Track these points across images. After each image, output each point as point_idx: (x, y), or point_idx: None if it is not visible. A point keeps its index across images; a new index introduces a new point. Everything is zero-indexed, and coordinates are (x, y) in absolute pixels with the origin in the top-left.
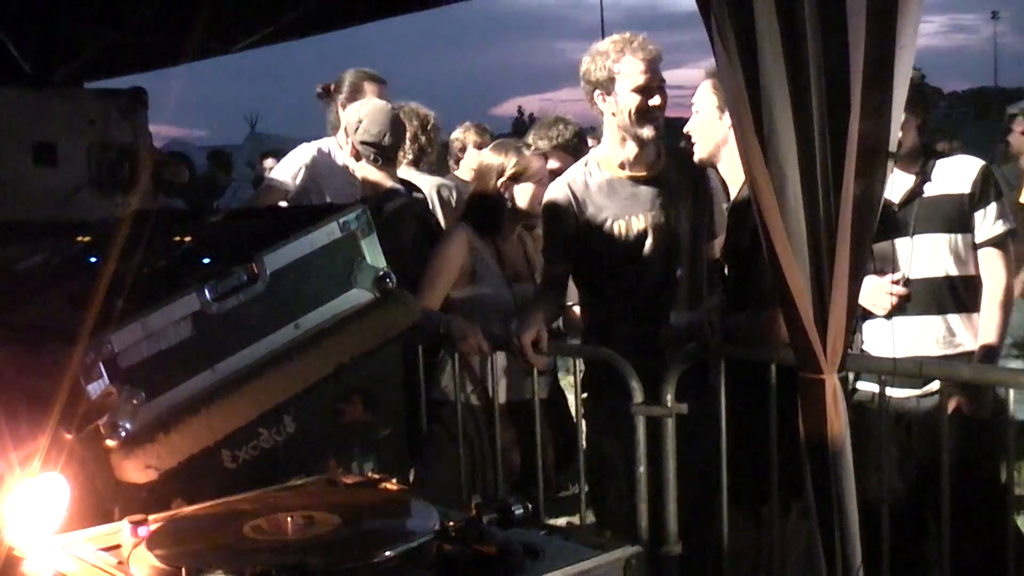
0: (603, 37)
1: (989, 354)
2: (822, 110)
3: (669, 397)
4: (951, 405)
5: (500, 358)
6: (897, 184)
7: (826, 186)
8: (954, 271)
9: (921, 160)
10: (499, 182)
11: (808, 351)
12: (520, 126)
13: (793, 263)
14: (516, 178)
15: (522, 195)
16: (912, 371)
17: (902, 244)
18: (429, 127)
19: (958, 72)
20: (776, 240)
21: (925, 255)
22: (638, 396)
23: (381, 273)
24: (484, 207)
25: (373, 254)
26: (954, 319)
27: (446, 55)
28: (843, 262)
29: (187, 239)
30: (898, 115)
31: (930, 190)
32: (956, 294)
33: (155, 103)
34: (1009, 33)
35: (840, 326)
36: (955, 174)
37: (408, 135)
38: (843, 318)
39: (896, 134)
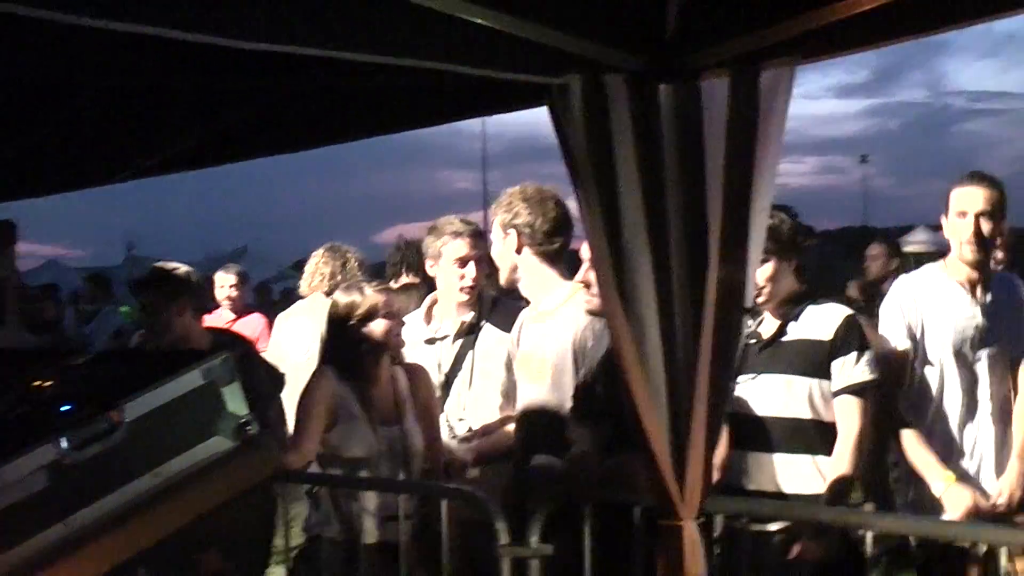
0: (484, 167)
1: (836, 497)
2: (681, 262)
3: (534, 539)
4: (804, 544)
5: (371, 497)
6: (765, 325)
7: (685, 336)
8: (808, 414)
9: (793, 304)
10: (351, 324)
11: (665, 497)
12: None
13: (651, 410)
14: (368, 316)
15: (376, 331)
16: (773, 511)
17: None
18: (347, 264)
19: (829, 212)
20: (635, 387)
21: (781, 395)
22: (503, 537)
23: (242, 420)
24: (340, 349)
25: (235, 401)
26: (806, 459)
27: (331, 182)
28: (701, 409)
29: (48, 383)
30: (753, 270)
31: (794, 333)
32: (810, 436)
33: (33, 223)
34: (877, 176)
35: (698, 472)
36: (820, 321)
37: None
38: (701, 464)
39: (752, 287)
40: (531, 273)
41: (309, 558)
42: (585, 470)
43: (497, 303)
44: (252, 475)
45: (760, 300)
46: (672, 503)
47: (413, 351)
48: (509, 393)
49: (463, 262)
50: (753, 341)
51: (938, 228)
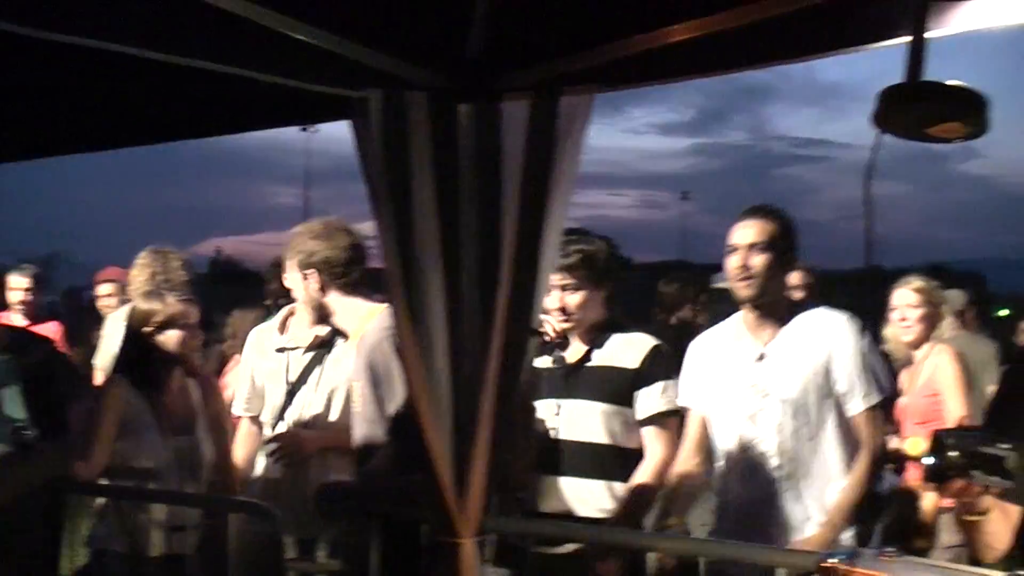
0: (306, 183)
1: (629, 520)
2: (473, 282)
3: (321, 554)
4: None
5: (157, 508)
6: (571, 351)
7: (473, 355)
8: (606, 440)
9: (600, 331)
10: (146, 330)
11: (445, 515)
12: (216, 266)
13: (436, 427)
14: (164, 325)
15: (169, 341)
16: (556, 533)
17: (555, 405)
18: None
19: (649, 245)
20: (420, 404)
21: (582, 421)
22: (291, 552)
23: (18, 425)
24: (135, 357)
25: (12, 405)
26: (600, 484)
27: (148, 191)
28: (485, 430)
29: None
30: (542, 293)
31: (598, 360)
32: (607, 462)
33: None
34: (697, 213)
35: (481, 491)
36: (626, 349)
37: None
38: (484, 484)
39: (540, 312)
40: (340, 307)
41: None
42: (376, 487)
43: None
44: (25, 482)
45: (567, 326)
46: (452, 520)
47: (264, 359)
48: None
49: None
50: (558, 366)
51: None
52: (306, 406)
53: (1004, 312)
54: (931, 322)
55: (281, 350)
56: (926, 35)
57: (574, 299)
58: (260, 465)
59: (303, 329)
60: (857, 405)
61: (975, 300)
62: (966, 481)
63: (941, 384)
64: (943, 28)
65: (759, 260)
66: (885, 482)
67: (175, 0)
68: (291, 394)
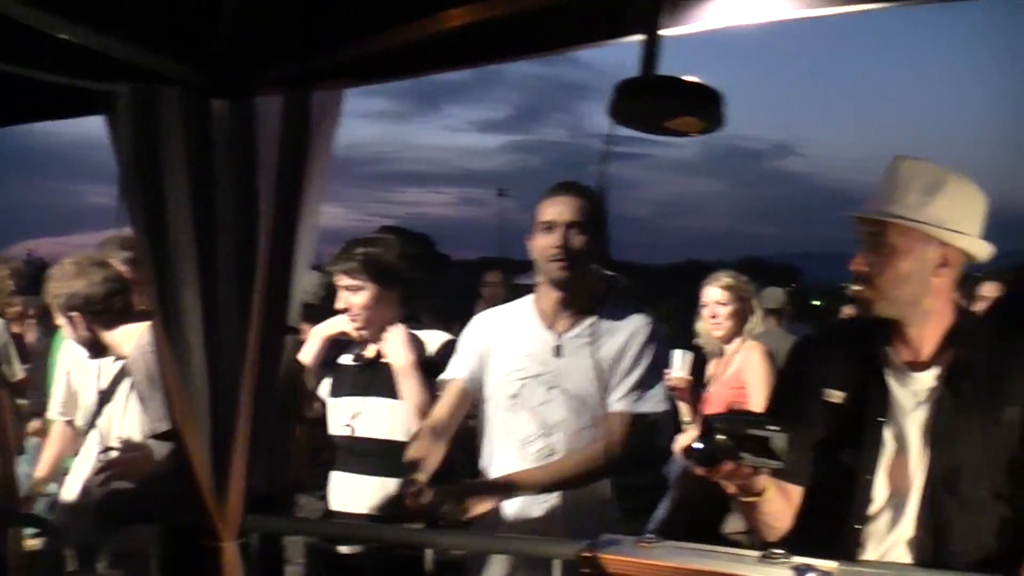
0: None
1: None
2: (229, 280)
3: (102, 564)
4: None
5: None
6: (368, 349)
7: (231, 355)
8: (403, 438)
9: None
10: None
11: (206, 517)
12: (28, 269)
13: (193, 429)
14: None
15: None
16: (320, 531)
17: (353, 402)
18: None
19: (468, 242)
20: (178, 406)
21: (378, 418)
22: (71, 564)
23: None
24: None
25: None
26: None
27: None
28: (243, 432)
29: None
30: (298, 290)
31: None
32: (401, 458)
33: None
34: (516, 210)
35: (239, 494)
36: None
37: None
38: (242, 486)
39: (296, 310)
40: (112, 338)
41: None
42: (155, 494)
43: None
44: None
45: (356, 326)
46: (212, 523)
47: (77, 364)
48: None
49: None
50: (357, 364)
51: None
52: (116, 414)
53: (818, 302)
54: (741, 317)
55: (94, 356)
56: (661, 32)
57: (358, 299)
58: (76, 470)
59: None
60: (619, 404)
61: (793, 298)
62: (735, 463)
63: (748, 379)
64: (685, 25)
65: (579, 239)
66: (674, 468)
67: None
68: (101, 402)
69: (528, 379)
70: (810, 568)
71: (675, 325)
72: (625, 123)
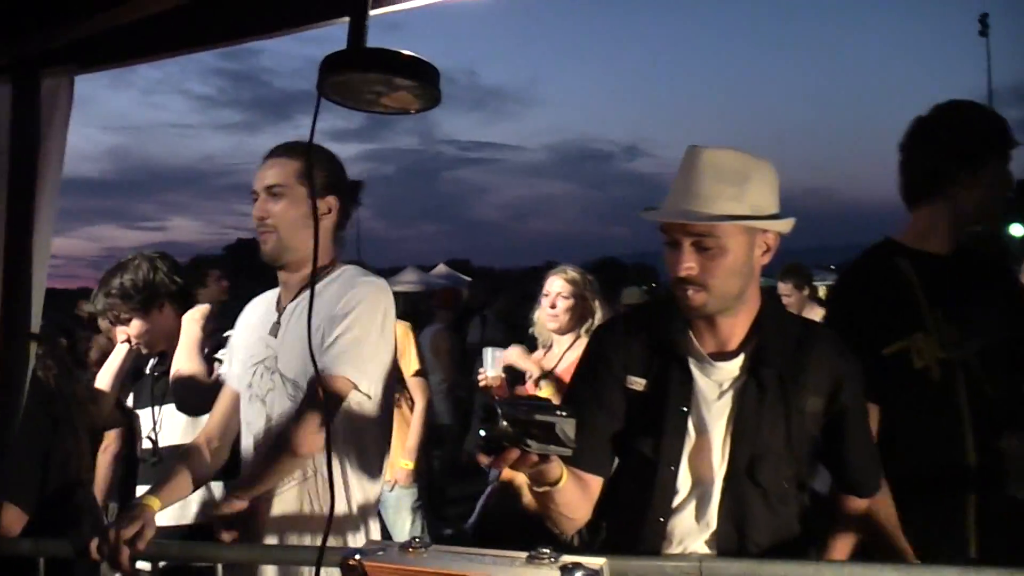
0: None
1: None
2: None
3: None
4: None
5: None
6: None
7: None
8: None
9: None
10: None
11: None
12: None
13: None
14: None
15: None
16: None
17: (153, 412)
18: None
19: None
20: None
21: (173, 426)
22: None
23: None
24: None
25: None
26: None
27: None
28: None
29: None
30: (39, 292)
31: None
32: None
33: None
34: (371, 218)
35: None
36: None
37: None
38: None
39: (38, 315)
40: None
41: None
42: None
43: None
44: None
45: (144, 352)
46: None
47: None
48: None
49: None
50: (152, 373)
51: (428, 269)
52: None
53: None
54: (579, 313)
55: None
56: (380, 10)
57: (132, 329)
58: None
59: None
60: (336, 382)
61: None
62: (521, 450)
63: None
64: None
65: (276, 205)
66: (492, 474)
67: None
68: None
69: (256, 364)
70: (578, 566)
71: (510, 322)
72: (335, 99)
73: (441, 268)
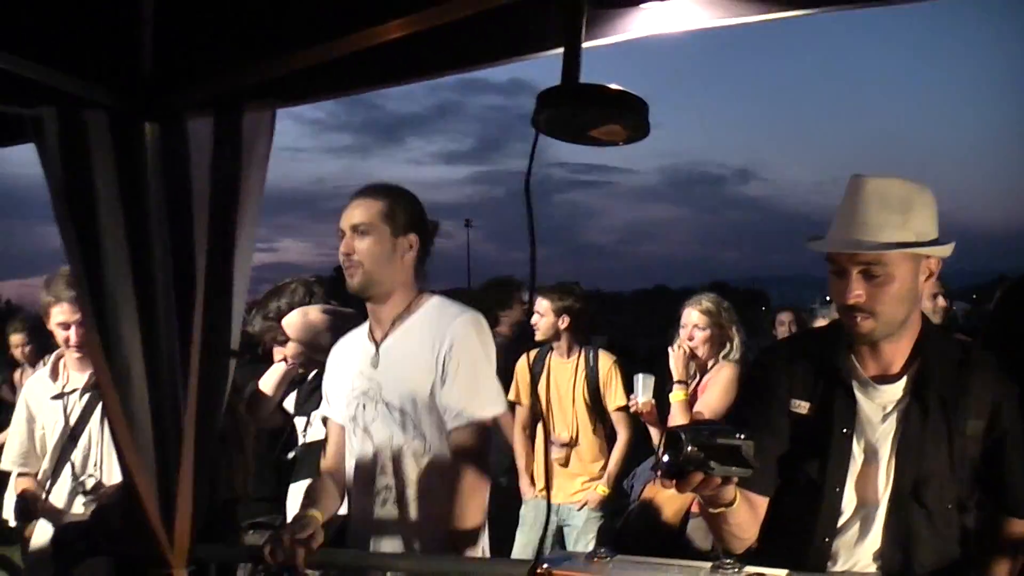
0: None
1: None
2: (168, 305)
3: None
4: None
5: None
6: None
7: (172, 382)
8: None
9: None
10: None
11: (155, 546)
12: None
13: (138, 461)
14: None
15: None
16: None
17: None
18: None
19: (436, 274)
20: (121, 438)
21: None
22: None
23: None
24: None
25: None
26: None
27: None
28: (188, 458)
29: None
30: (239, 313)
31: None
32: None
33: None
34: (482, 240)
35: (186, 521)
36: None
37: None
38: (189, 513)
39: (237, 335)
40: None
41: None
42: (107, 525)
43: None
44: None
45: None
46: (162, 552)
47: (41, 407)
48: None
49: (64, 326)
50: (312, 385)
51: (539, 291)
52: (90, 446)
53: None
54: (718, 342)
55: (58, 396)
56: (593, 43)
57: (289, 350)
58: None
59: (75, 371)
60: (457, 419)
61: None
62: (705, 474)
63: (720, 403)
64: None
65: (362, 243)
66: (637, 479)
67: None
68: (73, 438)
69: (359, 397)
70: None
71: (640, 350)
72: (550, 133)
73: (552, 286)
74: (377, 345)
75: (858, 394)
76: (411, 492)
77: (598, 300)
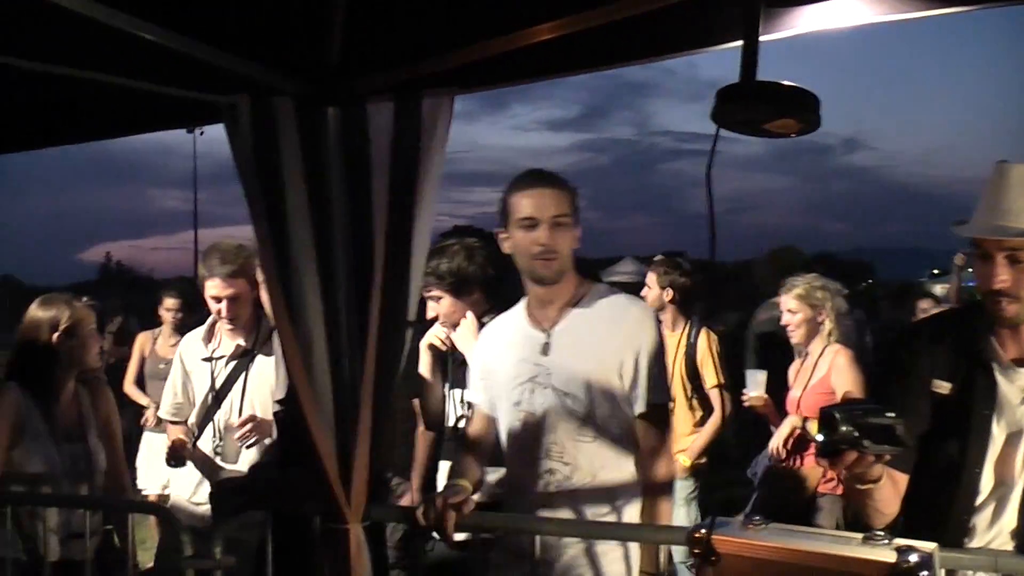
0: (195, 186)
1: None
2: (348, 279)
3: (218, 550)
4: None
5: (52, 514)
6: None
7: (352, 350)
8: None
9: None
10: (54, 336)
11: (333, 503)
12: (107, 272)
13: (319, 421)
14: (70, 331)
15: (73, 347)
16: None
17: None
18: None
19: None
20: (304, 399)
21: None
22: (187, 549)
23: None
24: (33, 363)
25: None
26: None
27: (31, 198)
28: (365, 420)
29: None
30: (416, 287)
31: None
32: None
33: None
34: (587, 208)
35: (363, 479)
36: None
37: None
38: (365, 472)
39: (414, 307)
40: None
41: None
42: (265, 482)
43: (274, 332)
44: None
45: (446, 332)
46: (339, 508)
47: (194, 365)
48: None
49: (216, 300)
50: (459, 359)
51: (645, 260)
52: (232, 411)
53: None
54: (813, 324)
55: (208, 359)
56: (761, 38)
57: (441, 307)
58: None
59: (227, 339)
60: (642, 407)
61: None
62: (858, 452)
63: (837, 383)
64: (779, 31)
65: (562, 235)
66: (759, 466)
67: (60, 16)
68: (218, 400)
69: (525, 383)
70: (912, 549)
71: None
72: (727, 127)
73: (659, 259)
74: (546, 332)
75: (998, 376)
76: (577, 477)
77: (704, 271)
